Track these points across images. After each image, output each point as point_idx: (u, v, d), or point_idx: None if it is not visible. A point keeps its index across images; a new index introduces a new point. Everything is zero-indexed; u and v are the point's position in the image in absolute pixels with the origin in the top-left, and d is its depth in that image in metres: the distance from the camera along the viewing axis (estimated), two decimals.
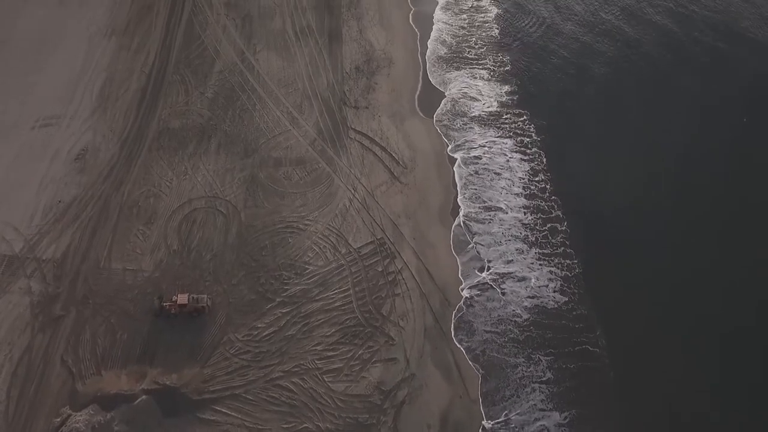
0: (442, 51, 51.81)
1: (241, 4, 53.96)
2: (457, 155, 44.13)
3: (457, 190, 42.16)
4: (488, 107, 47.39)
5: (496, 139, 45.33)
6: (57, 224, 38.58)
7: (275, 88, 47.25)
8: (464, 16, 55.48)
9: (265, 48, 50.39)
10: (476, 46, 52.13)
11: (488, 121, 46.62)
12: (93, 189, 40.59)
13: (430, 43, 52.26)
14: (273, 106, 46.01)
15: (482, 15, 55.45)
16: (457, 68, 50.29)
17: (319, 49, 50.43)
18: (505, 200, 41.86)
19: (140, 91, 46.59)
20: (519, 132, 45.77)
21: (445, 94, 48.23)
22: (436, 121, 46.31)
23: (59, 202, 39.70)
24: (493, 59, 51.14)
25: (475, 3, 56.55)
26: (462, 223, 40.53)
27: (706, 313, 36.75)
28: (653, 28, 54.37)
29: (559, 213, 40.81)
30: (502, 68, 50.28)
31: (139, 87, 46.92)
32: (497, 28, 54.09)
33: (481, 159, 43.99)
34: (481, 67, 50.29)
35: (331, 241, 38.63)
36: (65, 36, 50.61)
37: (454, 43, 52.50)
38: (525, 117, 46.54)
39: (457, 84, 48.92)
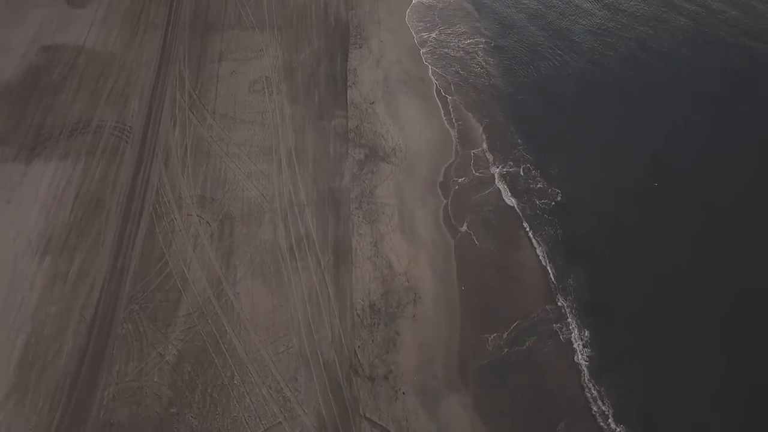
0: (489, 269, 40.59)
1: (220, 199, 43.44)
2: None
3: None
4: (567, 373, 35.99)
5: None
6: None
7: (261, 346, 36.45)
8: (528, 198, 44.04)
9: (250, 273, 39.70)
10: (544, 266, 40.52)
11: (571, 397, 35.14)
12: None
13: (471, 261, 41.10)
14: (257, 379, 35.19)
15: (545, 200, 44.17)
16: (507, 300, 39.15)
17: (321, 274, 39.71)
18: None
19: (77, 354, 36.08)
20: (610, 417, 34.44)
21: (500, 351, 36.96)
22: (486, 407, 34.91)
23: None
24: (567, 281, 40.02)
25: (534, 184, 45.29)
26: None
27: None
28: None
29: None
30: (578, 302, 38.89)
31: (75, 346, 36.37)
32: (558, 222, 42.86)
33: None
34: (545, 309, 39.01)
35: None
36: None
37: (505, 256, 41.32)
38: (616, 395, 35.10)
39: (514, 326, 37.68)
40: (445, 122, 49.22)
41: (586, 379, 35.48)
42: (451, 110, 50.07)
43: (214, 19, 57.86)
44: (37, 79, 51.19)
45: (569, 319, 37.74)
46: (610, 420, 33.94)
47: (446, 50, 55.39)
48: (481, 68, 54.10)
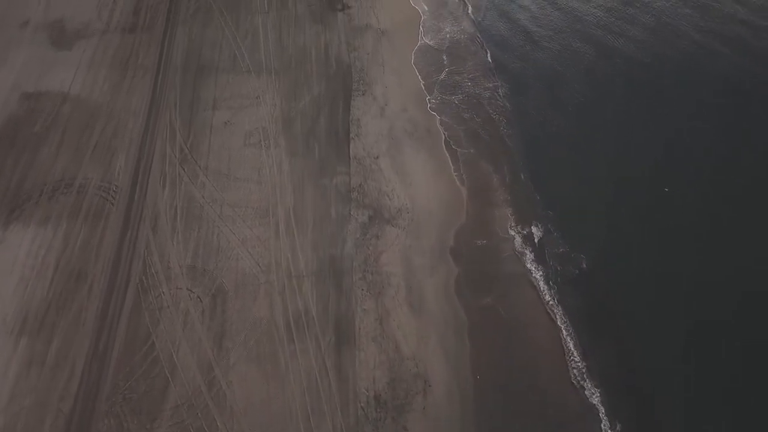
0: (507, 352, 37.22)
1: (212, 270, 40.50)
2: None
3: None
4: None
5: None
6: None
7: None
8: (550, 265, 40.75)
9: (244, 357, 36.70)
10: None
11: None
12: None
13: (486, 340, 37.79)
14: None
15: (568, 267, 40.87)
16: (528, 391, 35.79)
17: (321, 359, 36.64)
18: None
19: None
20: None
21: None
22: None
23: None
24: (595, 364, 36.73)
25: (556, 249, 41.92)
26: None
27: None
28: None
29: None
30: (608, 391, 35.47)
31: None
32: (584, 293, 39.50)
33: None
34: (571, 401, 35.56)
35: None
36: None
37: (524, 335, 38.01)
38: None
39: (537, 421, 34.36)
40: (455, 178, 45.99)
41: None
42: (461, 165, 46.83)
43: (208, 62, 55.01)
44: (18, 131, 48.46)
45: (599, 413, 34.47)
46: None
47: (455, 96, 52.35)
48: (493, 116, 50.90)
